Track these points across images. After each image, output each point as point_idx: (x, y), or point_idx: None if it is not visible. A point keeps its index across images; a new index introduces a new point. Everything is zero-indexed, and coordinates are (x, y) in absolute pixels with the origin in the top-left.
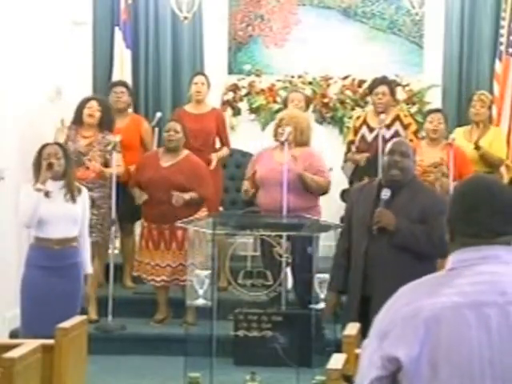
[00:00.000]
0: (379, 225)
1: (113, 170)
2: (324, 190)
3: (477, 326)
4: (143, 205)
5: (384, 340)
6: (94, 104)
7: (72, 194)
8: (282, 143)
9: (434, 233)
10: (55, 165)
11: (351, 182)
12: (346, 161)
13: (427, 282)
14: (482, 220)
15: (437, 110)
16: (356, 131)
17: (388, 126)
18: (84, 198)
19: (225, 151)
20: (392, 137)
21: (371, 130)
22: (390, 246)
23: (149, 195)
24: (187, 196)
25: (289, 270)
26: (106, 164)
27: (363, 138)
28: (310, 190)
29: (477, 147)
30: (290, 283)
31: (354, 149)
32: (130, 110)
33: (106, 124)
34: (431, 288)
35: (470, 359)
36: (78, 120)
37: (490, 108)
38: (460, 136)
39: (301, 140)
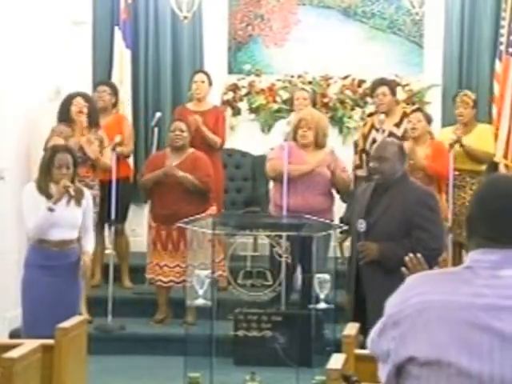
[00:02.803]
0: (365, 260)
1: (113, 164)
2: (349, 188)
3: (489, 329)
4: (152, 205)
5: (395, 328)
6: (80, 101)
7: (77, 199)
8: (306, 146)
9: (418, 242)
10: (71, 188)
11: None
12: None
13: (442, 277)
14: (501, 225)
15: (416, 110)
16: (365, 138)
17: (397, 125)
18: (87, 199)
19: (215, 137)
20: (403, 134)
21: (381, 132)
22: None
23: (157, 195)
24: (181, 173)
25: (298, 270)
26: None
27: (374, 142)
28: (338, 187)
29: (461, 145)
30: (299, 283)
31: (364, 158)
32: (115, 110)
33: (93, 118)
34: (446, 284)
35: (480, 362)
36: (65, 118)
37: (473, 107)
38: (446, 135)
39: (322, 142)
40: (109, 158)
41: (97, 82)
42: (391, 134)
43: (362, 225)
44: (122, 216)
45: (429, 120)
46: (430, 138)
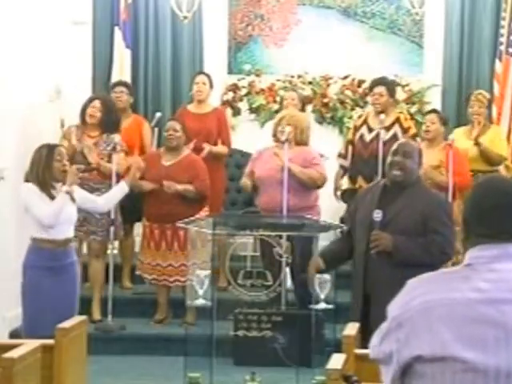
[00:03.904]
0: (377, 249)
1: (113, 167)
2: (317, 183)
3: (493, 322)
4: (145, 204)
5: (399, 329)
6: (96, 104)
7: (71, 195)
8: (283, 142)
9: (433, 243)
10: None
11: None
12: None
13: (442, 276)
14: (498, 222)
15: (431, 111)
16: (356, 130)
17: (387, 128)
18: (76, 191)
19: (221, 148)
20: (390, 139)
21: (370, 130)
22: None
23: (150, 195)
24: (180, 187)
25: (288, 270)
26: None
27: (362, 137)
28: (303, 183)
29: (477, 143)
30: (288, 283)
31: (350, 149)
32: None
33: (108, 124)
34: (446, 282)
35: (486, 356)
36: (82, 119)
37: (488, 107)
38: (460, 135)
39: (301, 139)
40: (120, 164)
41: (114, 82)
42: (378, 136)
43: (378, 214)
44: (130, 217)
45: (444, 122)
46: (444, 139)
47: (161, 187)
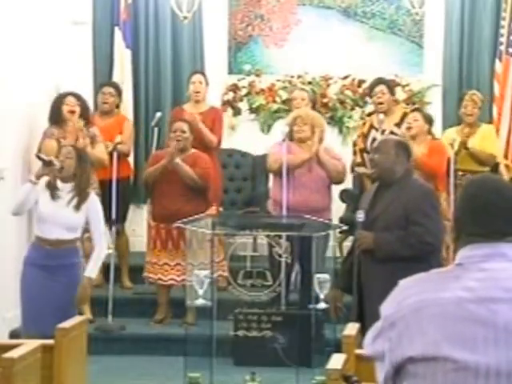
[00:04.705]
0: (360, 248)
1: (113, 166)
2: (342, 175)
3: (483, 321)
4: (151, 204)
5: (392, 329)
6: (72, 100)
7: (78, 200)
8: (302, 141)
9: (412, 235)
10: (55, 163)
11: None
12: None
13: (433, 276)
14: (490, 221)
15: (414, 110)
16: (365, 137)
17: (398, 125)
18: (91, 204)
19: (211, 136)
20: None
21: (381, 132)
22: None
23: (157, 195)
24: (178, 160)
25: (296, 270)
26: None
27: (375, 141)
28: (328, 173)
29: (465, 148)
30: (297, 283)
31: (366, 156)
32: (117, 110)
33: (85, 117)
34: (437, 282)
35: (476, 355)
36: (56, 118)
37: (481, 108)
38: (451, 135)
39: (319, 137)
40: (102, 153)
41: (101, 82)
42: (392, 134)
43: (360, 215)
44: (122, 216)
45: (429, 120)
46: (432, 138)
47: (167, 186)
